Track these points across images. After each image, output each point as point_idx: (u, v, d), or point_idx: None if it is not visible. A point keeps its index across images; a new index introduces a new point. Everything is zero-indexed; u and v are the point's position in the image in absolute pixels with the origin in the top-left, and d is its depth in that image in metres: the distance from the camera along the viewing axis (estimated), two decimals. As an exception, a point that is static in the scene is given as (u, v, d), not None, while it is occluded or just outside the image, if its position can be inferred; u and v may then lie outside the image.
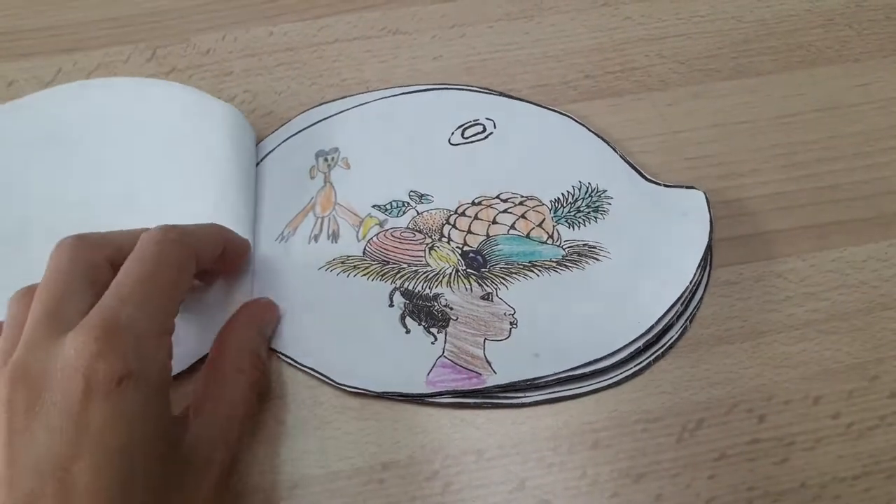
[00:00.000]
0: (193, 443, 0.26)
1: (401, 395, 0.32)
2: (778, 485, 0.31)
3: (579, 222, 0.36)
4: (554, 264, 0.35)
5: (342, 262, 0.35)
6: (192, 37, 0.42)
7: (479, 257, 0.35)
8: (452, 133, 0.38)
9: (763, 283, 0.35)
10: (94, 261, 0.27)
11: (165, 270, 0.27)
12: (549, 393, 0.32)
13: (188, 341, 0.32)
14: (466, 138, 0.38)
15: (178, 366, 0.30)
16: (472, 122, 0.38)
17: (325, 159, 0.38)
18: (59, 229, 0.33)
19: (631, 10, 0.42)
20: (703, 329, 0.34)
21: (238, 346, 0.30)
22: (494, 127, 0.38)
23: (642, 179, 0.36)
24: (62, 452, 0.22)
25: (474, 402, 0.32)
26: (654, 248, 0.35)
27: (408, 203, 0.37)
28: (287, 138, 0.39)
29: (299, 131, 0.39)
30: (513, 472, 0.31)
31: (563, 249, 0.35)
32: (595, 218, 0.36)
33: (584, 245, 0.35)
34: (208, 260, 0.30)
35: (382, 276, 0.35)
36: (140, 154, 0.36)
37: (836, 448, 0.31)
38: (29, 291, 0.26)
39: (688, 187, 0.35)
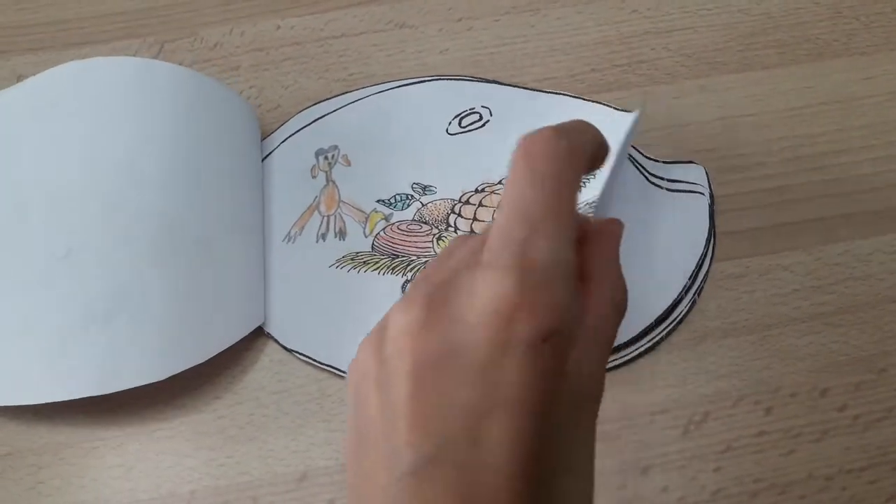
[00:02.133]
0: (575, 375, 0.22)
1: None
2: (784, 476, 0.31)
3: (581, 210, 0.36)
4: None
5: (352, 259, 0.35)
6: (200, 31, 0.42)
7: None
8: (450, 123, 0.38)
9: (769, 276, 0.35)
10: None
11: (569, 193, 0.22)
12: None
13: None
14: (464, 127, 0.38)
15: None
16: (468, 112, 0.39)
17: (326, 157, 0.38)
18: (58, 205, 0.33)
19: (638, 4, 0.42)
20: (709, 322, 0.34)
21: (617, 283, 0.24)
22: (490, 115, 0.38)
23: (640, 156, 0.37)
24: (473, 406, 0.19)
25: None
26: (656, 230, 0.35)
27: (411, 195, 0.37)
28: (285, 139, 0.39)
29: (297, 131, 0.39)
30: (520, 464, 0.31)
31: None
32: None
33: None
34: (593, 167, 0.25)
35: (392, 269, 0.35)
36: (144, 133, 0.35)
37: (843, 440, 0.31)
38: None
39: (687, 162, 0.36)
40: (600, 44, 0.41)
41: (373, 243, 0.36)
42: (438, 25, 0.41)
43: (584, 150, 0.23)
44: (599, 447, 0.31)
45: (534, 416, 0.20)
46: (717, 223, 0.35)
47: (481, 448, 0.19)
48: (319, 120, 0.39)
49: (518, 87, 0.39)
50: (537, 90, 0.39)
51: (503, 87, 0.39)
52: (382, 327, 0.22)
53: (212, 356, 0.32)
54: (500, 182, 0.37)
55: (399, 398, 0.20)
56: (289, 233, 0.36)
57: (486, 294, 0.20)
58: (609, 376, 0.32)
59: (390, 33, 0.41)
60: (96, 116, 0.35)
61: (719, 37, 0.41)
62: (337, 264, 0.35)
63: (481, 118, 0.38)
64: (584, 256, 0.24)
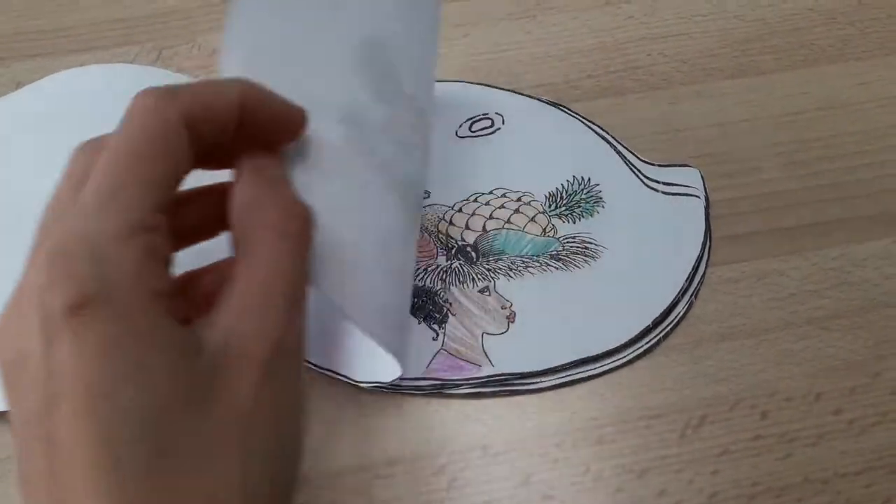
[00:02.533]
0: (220, 342, 0.20)
1: (418, 388, 0.32)
2: (780, 480, 0.31)
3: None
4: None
5: None
6: (198, 37, 0.42)
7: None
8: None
9: (765, 280, 0.35)
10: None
11: (138, 148, 0.20)
12: (563, 377, 0.33)
13: None
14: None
15: None
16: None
17: None
18: None
19: (633, 10, 0.42)
20: (705, 326, 0.34)
21: (260, 203, 0.22)
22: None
23: (636, 159, 0.37)
24: (42, 405, 0.18)
25: (491, 391, 0.32)
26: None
27: None
28: None
29: None
30: (518, 468, 0.31)
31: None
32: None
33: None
34: (216, 126, 0.22)
35: None
36: None
37: (839, 444, 0.31)
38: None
39: (682, 165, 0.36)
40: (596, 50, 0.41)
41: None
42: (436, 32, 0.42)
43: (184, 108, 0.21)
44: (597, 450, 0.31)
45: (101, 394, 0.18)
46: (713, 228, 0.36)
47: (58, 448, 0.18)
48: None
49: (535, 98, 0.39)
50: (554, 104, 0.39)
51: (520, 96, 0.39)
52: None
53: None
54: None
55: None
56: None
57: (28, 289, 0.19)
58: (606, 380, 0.33)
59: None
60: (93, 124, 0.35)
61: (715, 42, 0.41)
62: None
63: (493, 125, 0.39)
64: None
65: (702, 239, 0.35)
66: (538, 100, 0.39)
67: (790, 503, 0.31)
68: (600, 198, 0.37)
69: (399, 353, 0.29)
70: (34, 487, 0.18)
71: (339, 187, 0.25)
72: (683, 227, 0.35)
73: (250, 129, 0.22)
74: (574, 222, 0.36)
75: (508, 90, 0.40)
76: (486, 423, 0.32)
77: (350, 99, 0.26)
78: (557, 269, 0.35)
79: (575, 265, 0.35)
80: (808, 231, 0.36)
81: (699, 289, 0.34)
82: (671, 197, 0.36)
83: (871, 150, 0.38)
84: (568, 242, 0.36)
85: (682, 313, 0.34)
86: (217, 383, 0.19)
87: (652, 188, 0.36)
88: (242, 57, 0.24)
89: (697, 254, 0.34)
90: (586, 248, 0.35)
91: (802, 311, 0.34)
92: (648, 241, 0.35)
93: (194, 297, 0.24)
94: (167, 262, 0.21)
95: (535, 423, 0.32)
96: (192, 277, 0.25)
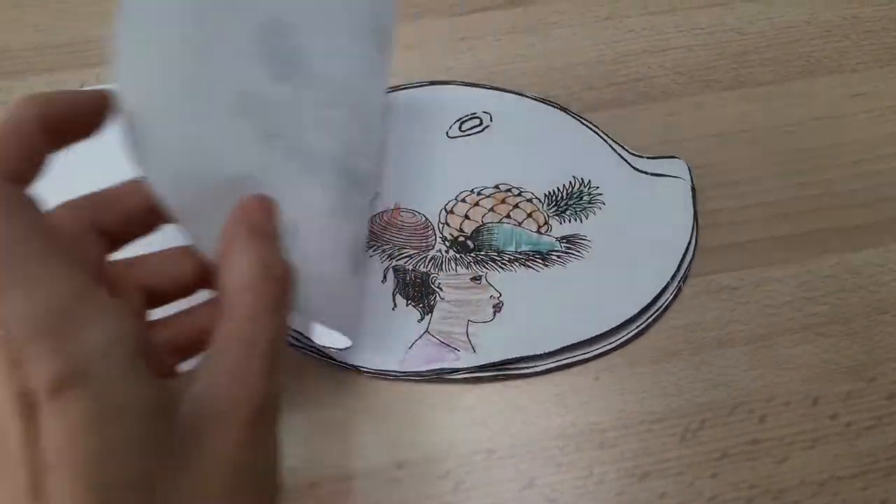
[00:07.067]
0: (204, 402, 0.20)
1: (418, 374, 0.34)
2: (778, 483, 0.32)
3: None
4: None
5: None
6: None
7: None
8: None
9: (763, 287, 0.36)
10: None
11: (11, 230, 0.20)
12: (558, 360, 0.34)
13: None
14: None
15: None
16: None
17: None
18: None
19: (633, 24, 0.43)
20: (705, 332, 0.35)
21: (239, 262, 0.22)
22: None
23: (625, 151, 0.38)
24: (27, 479, 0.18)
25: (489, 376, 0.34)
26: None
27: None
28: None
29: None
30: (522, 471, 0.32)
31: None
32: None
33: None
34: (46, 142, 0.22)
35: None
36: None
37: (835, 447, 0.32)
38: None
39: (670, 157, 0.37)
40: (597, 62, 0.42)
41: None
42: (441, 46, 0.43)
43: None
44: (599, 454, 0.32)
45: (84, 469, 0.18)
46: (712, 236, 0.36)
47: None
48: None
49: (520, 94, 0.40)
50: (540, 99, 0.40)
51: (505, 93, 0.41)
52: None
53: None
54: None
55: None
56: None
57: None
58: (607, 384, 0.34)
59: (394, 55, 0.42)
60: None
61: (713, 55, 0.42)
62: None
63: (481, 123, 0.40)
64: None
65: (690, 223, 0.36)
66: (524, 95, 0.40)
67: (788, 505, 0.31)
68: (600, 200, 0.37)
69: (347, 328, 0.32)
70: None
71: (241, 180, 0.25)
72: (672, 212, 0.37)
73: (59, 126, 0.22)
74: (570, 221, 0.37)
75: (493, 88, 0.41)
76: (490, 427, 0.33)
77: (243, 87, 0.25)
78: (550, 265, 0.36)
79: (569, 261, 0.36)
80: (805, 239, 0.37)
81: (688, 273, 0.36)
82: (658, 178, 0.37)
83: (866, 160, 0.39)
84: (563, 241, 0.36)
85: (670, 299, 0.35)
86: (202, 441, 0.20)
87: (640, 170, 0.38)
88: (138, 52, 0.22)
89: (687, 240, 0.36)
90: (581, 246, 0.36)
91: (799, 317, 0.35)
92: (639, 227, 0.37)
93: (176, 343, 0.25)
94: (142, 317, 0.22)
95: (539, 427, 0.33)
96: (172, 322, 0.26)
